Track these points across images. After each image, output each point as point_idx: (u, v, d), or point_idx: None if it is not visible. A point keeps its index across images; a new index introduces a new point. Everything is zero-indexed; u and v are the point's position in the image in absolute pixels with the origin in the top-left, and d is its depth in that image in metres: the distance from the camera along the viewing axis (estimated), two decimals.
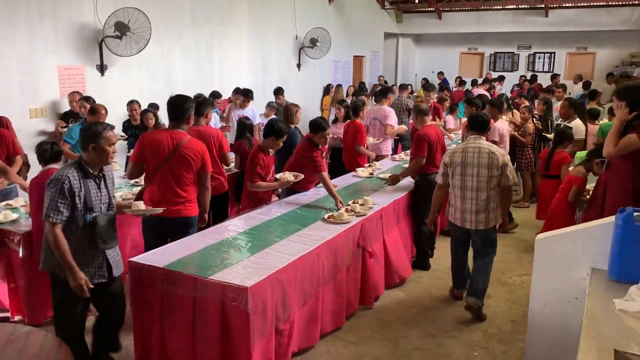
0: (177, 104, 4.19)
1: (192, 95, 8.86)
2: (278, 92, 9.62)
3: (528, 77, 15.43)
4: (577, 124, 6.73)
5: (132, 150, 5.31)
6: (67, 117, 6.73)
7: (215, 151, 5.02)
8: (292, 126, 6.29)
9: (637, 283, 2.69)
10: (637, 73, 14.04)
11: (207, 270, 3.30)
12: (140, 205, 3.66)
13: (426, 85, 11.06)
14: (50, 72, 6.99)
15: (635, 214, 2.88)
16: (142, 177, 4.41)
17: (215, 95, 8.23)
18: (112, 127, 3.34)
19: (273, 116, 8.31)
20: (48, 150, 4.15)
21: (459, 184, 4.41)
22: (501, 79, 15.10)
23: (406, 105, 9.08)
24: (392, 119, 7.65)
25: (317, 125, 5.03)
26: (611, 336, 2.34)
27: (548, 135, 7.55)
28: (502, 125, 6.71)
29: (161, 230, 4.08)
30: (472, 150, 4.38)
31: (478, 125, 4.53)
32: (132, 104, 7.06)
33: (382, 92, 8.04)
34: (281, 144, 5.01)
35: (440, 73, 16.42)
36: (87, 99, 6.47)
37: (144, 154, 4.10)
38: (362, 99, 8.10)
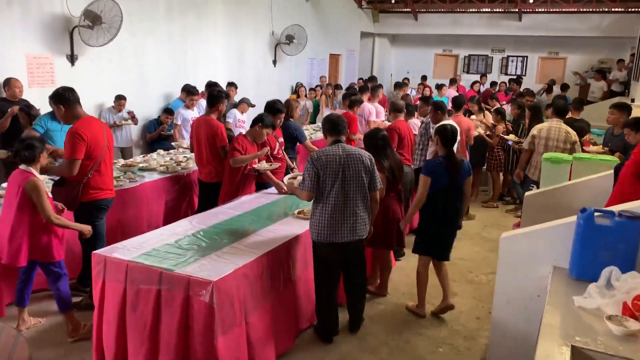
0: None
1: (164, 88, 8.81)
2: (231, 85, 9.25)
3: (501, 80, 15.58)
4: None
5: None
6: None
7: (217, 142, 5.30)
8: (292, 120, 6.30)
9: (596, 281, 2.75)
10: (612, 76, 14.22)
11: (173, 264, 3.27)
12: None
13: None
14: (18, 61, 6.81)
15: (595, 213, 2.95)
16: None
17: (192, 92, 7.96)
18: None
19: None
20: (25, 147, 3.74)
21: (542, 151, 6.07)
22: (482, 76, 15.32)
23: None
24: (374, 115, 8.23)
25: (274, 109, 5.49)
26: (569, 332, 2.39)
27: (506, 137, 7.64)
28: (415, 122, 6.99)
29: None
30: (555, 128, 6.21)
31: (559, 112, 6.43)
32: (119, 100, 7.74)
33: (361, 90, 8.92)
34: (266, 136, 5.18)
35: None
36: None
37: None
38: (360, 98, 8.19)
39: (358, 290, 4.19)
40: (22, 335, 2.43)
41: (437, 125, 5.00)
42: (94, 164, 4.14)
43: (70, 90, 4.18)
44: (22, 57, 6.84)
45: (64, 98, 4.11)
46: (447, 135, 4.32)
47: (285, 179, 5.13)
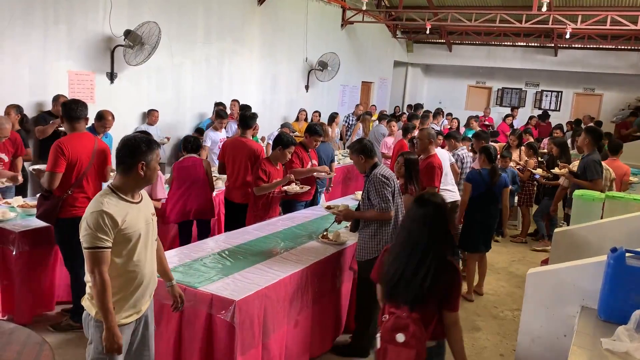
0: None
1: (198, 109, 8.98)
2: (234, 101, 9.39)
3: (535, 115, 15.42)
4: None
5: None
6: (44, 118, 6.50)
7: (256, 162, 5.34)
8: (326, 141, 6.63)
9: (625, 324, 2.67)
10: (616, 119, 13.94)
11: (197, 281, 3.31)
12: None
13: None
14: (61, 77, 7.07)
15: (627, 254, 2.88)
16: None
17: (221, 115, 8.06)
18: None
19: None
20: (191, 142, 5.35)
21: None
22: (514, 109, 15.16)
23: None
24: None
25: (313, 131, 5.75)
26: None
27: (533, 171, 7.58)
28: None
29: None
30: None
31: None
32: (152, 112, 8.06)
33: (410, 117, 9.63)
34: (288, 156, 5.22)
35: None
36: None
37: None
38: (413, 123, 8.40)
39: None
40: (47, 342, 2.48)
41: (482, 146, 5.96)
42: (75, 181, 4.03)
43: (77, 104, 4.12)
44: (65, 73, 7.11)
45: (69, 110, 4.09)
46: (491, 153, 5.57)
47: (323, 206, 5.41)
